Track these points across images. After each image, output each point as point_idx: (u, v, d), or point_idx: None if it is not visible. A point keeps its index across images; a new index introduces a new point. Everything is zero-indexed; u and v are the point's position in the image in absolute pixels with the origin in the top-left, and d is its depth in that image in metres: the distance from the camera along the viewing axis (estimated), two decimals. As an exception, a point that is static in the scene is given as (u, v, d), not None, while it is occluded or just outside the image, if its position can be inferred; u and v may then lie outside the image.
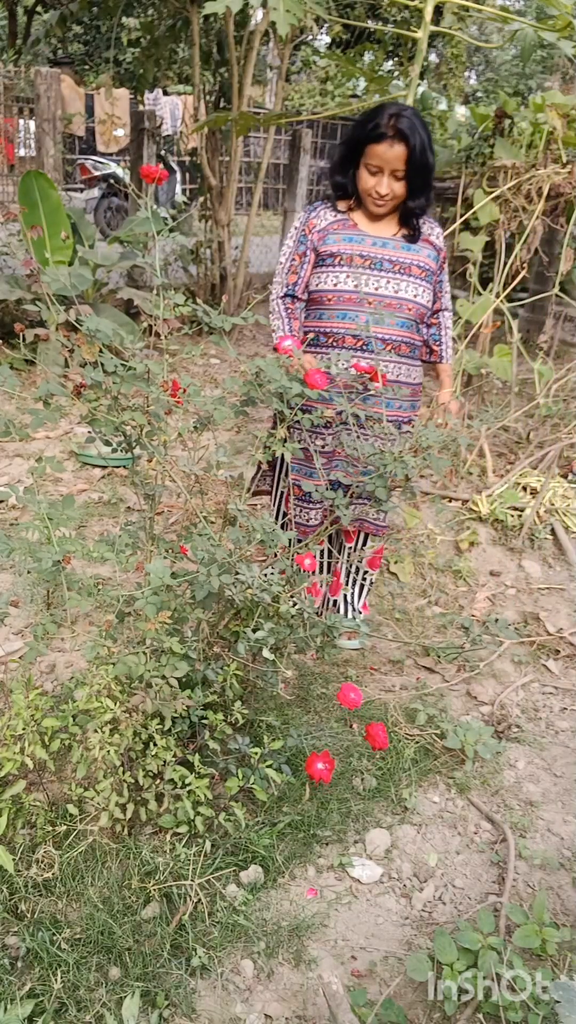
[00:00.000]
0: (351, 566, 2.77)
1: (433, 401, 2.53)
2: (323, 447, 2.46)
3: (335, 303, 2.34)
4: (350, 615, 2.80)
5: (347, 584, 2.79)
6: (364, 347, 2.34)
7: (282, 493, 2.67)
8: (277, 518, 2.67)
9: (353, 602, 2.82)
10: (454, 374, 4.27)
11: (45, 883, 1.77)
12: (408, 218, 2.35)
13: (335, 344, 2.36)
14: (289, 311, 2.40)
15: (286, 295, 2.41)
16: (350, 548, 2.74)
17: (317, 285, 2.36)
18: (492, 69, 20.76)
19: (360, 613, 2.83)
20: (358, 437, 2.25)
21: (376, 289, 2.32)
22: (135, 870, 1.81)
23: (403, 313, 2.34)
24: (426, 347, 2.54)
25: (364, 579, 2.80)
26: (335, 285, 2.33)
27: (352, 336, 2.34)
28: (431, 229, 2.41)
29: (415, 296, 2.35)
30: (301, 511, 2.59)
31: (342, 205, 2.37)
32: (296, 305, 2.41)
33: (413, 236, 2.36)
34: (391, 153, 2.18)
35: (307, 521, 2.59)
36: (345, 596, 2.81)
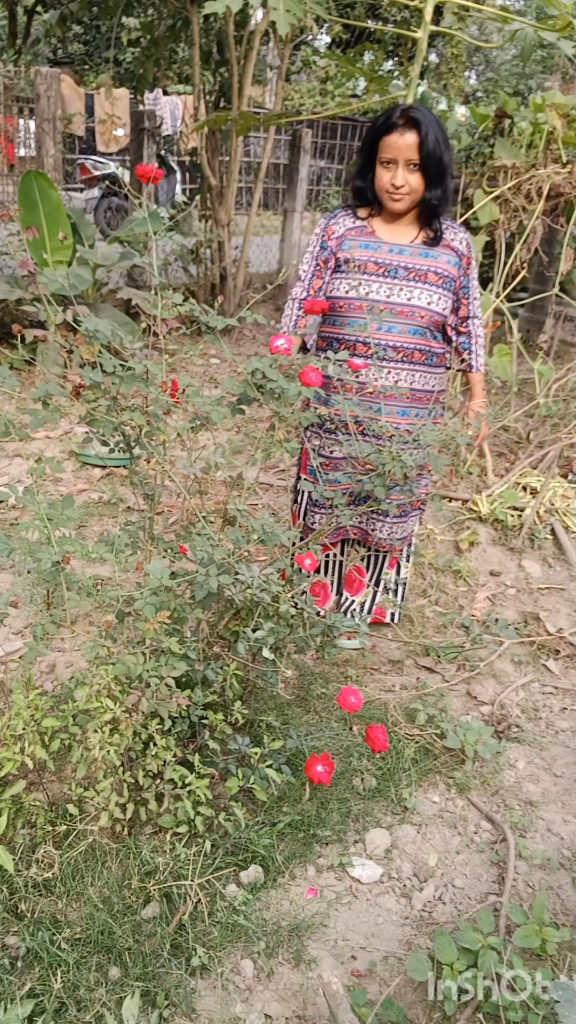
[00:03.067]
0: (382, 583, 2.78)
1: (461, 408, 2.51)
2: (331, 453, 2.47)
3: (347, 310, 2.33)
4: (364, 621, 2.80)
5: (374, 594, 2.81)
6: (375, 354, 2.32)
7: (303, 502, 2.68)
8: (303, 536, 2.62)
9: (368, 607, 2.82)
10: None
11: (45, 883, 1.77)
12: (429, 218, 2.31)
13: (348, 351, 2.34)
14: (301, 313, 2.40)
15: (300, 299, 2.41)
16: (362, 548, 2.74)
17: (331, 292, 2.36)
18: (492, 69, 20.76)
19: (368, 615, 2.83)
20: (371, 443, 2.23)
21: (388, 296, 2.29)
22: (135, 870, 1.81)
23: (415, 320, 2.30)
24: (458, 356, 2.51)
25: (383, 587, 2.81)
26: (346, 292, 2.32)
27: (363, 343, 2.32)
28: (455, 234, 2.36)
29: (429, 303, 2.30)
30: (320, 518, 2.59)
31: (362, 212, 2.36)
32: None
33: (435, 240, 2.32)
34: (403, 142, 2.17)
35: (312, 524, 2.61)
36: (363, 602, 2.82)
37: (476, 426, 2.40)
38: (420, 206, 2.30)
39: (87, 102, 13.11)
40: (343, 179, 15.08)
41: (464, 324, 2.45)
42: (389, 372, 2.32)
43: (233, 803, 1.93)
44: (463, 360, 2.50)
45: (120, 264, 5.56)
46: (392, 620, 2.88)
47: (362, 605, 2.81)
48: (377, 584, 2.78)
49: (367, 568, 2.78)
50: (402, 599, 2.85)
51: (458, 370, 2.55)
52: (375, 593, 2.81)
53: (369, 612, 2.82)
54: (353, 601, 2.81)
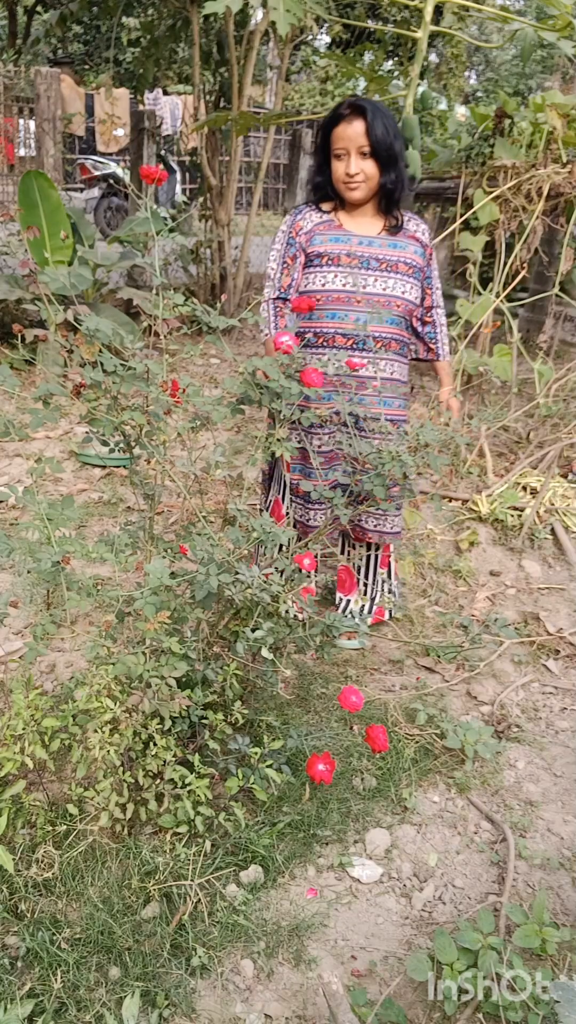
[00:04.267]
0: (370, 579, 2.77)
1: (433, 399, 2.54)
2: (320, 447, 2.46)
3: (324, 303, 2.35)
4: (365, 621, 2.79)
5: (364, 594, 2.80)
6: (355, 346, 2.37)
7: (272, 500, 2.67)
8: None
9: (368, 607, 2.82)
10: (454, 374, 4.28)
11: (45, 883, 1.77)
12: (388, 207, 2.37)
13: (326, 344, 2.38)
14: (278, 312, 2.42)
15: (278, 298, 2.42)
16: (362, 548, 2.74)
17: (306, 286, 2.37)
18: (492, 69, 20.76)
19: (369, 615, 2.83)
20: (353, 436, 2.26)
21: (365, 287, 2.34)
22: (135, 870, 1.81)
23: (393, 310, 2.37)
24: (424, 345, 2.56)
25: (380, 586, 2.81)
26: (323, 285, 2.35)
27: (343, 335, 2.36)
28: (416, 225, 2.44)
29: (403, 293, 2.38)
30: (302, 511, 2.59)
31: (326, 206, 2.40)
32: (286, 307, 2.43)
33: (396, 228, 2.39)
34: (351, 130, 2.24)
35: (307, 521, 2.59)
36: (362, 605, 2.81)
37: (447, 415, 2.43)
38: (378, 195, 2.35)
39: (87, 102, 13.12)
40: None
41: (429, 314, 2.52)
42: (371, 363, 2.39)
43: (233, 803, 1.93)
44: (430, 349, 2.57)
45: (120, 264, 5.57)
46: (389, 616, 2.89)
47: (361, 608, 2.81)
48: (372, 583, 2.78)
49: (360, 568, 2.78)
50: (398, 596, 2.85)
51: (424, 360, 2.60)
52: (370, 592, 2.81)
53: (370, 612, 2.82)
54: (348, 601, 2.81)
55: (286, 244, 2.39)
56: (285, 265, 2.38)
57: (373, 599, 2.81)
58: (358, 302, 2.32)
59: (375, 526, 2.60)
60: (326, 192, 2.38)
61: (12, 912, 1.71)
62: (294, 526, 2.59)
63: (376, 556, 2.76)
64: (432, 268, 2.49)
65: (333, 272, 2.33)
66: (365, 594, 2.80)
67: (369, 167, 2.27)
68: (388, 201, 2.36)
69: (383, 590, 2.80)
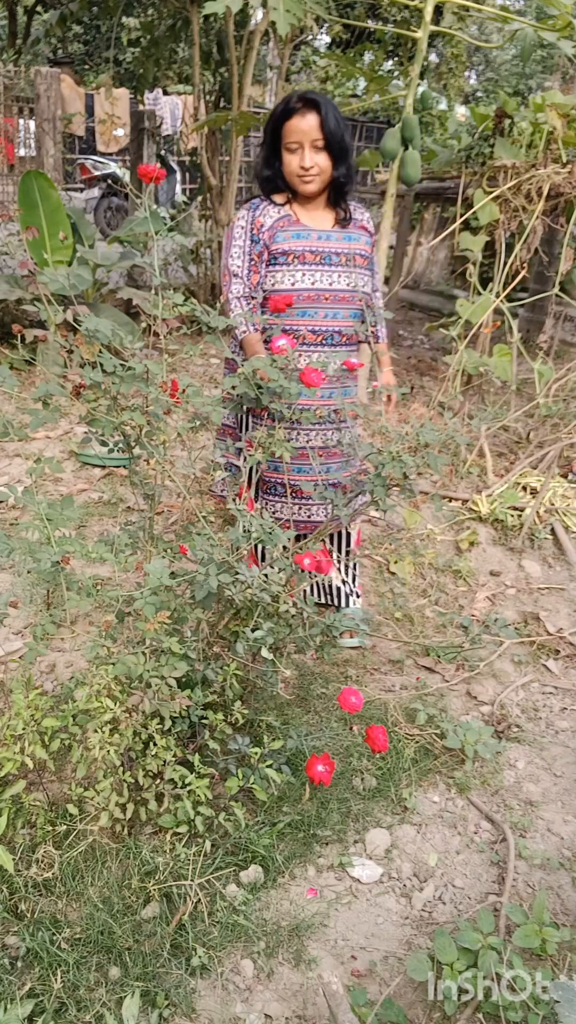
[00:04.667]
0: (339, 560, 2.78)
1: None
2: (307, 442, 2.48)
3: (296, 302, 2.36)
4: (351, 604, 2.81)
5: (343, 572, 2.80)
6: (323, 342, 2.40)
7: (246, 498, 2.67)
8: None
9: (350, 588, 2.83)
10: (454, 374, 4.28)
11: (45, 883, 1.77)
12: (337, 199, 2.40)
13: (296, 340, 2.39)
14: (252, 310, 2.41)
15: (244, 296, 2.40)
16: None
17: (273, 285, 2.36)
18: (492, 69, 20.75)
19: (358, 597, 2.84)
20: (340, 430, 2.34)
21: (331, 284, 2.36)
22: (135, 870, 1.81)
23: (354, 304, 2.41)
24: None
25: (353, 565, 2.82)
26: (293, 284, 2.35)
27: (312, 332, 2.38)
28: (362, 214, 2.48)
29: (363, 286, 2.43)
30: (267, 504, 2.58)
31: (279, 198, 2.40)
32: (252, 304, 2.42)
33: (346, 220, 2.41)
34: (305, 123, 2.24)
35: (274, 513, 2.59)
36: (342, 584, 2.82)
37: (391, 390, 2.48)
38: (329, 187, 2.37)
39: (87, 102, 13.12)
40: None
41: (370, 299, 2.55)
42: (332, 358, 2.41)
43: (233, 803, 1.93)
44: (372, 333, 2.59)
45: (120, 264, 5.56)
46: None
47: (343, 583, 2.80)
48: (347, 562, 2.79)
49: (335, 546, 2.79)
50: (358, 576, 2.87)
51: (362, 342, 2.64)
52: (349, 568, 2.81)
53: (352, 591, 2.82)
54: (328, 579, 2.81)
55: (249, 240, 2.37)
56: (252, 262, 2.37)
57: (354, 577, 2.82)
58: (326, 299, 2.36)
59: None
60: (276, 185, 2.38)
61: (12, 912, 1.71)
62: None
63: (348, 536, 2.77)
64: (374, 253, 2.55)
65: (300, 271, 2.34)
66: (339, 572, 2.81)
67: (323, 160, 2.29)
68: (338, 194, 2.39)
69: (355, 565, 2.83)
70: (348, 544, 2.78)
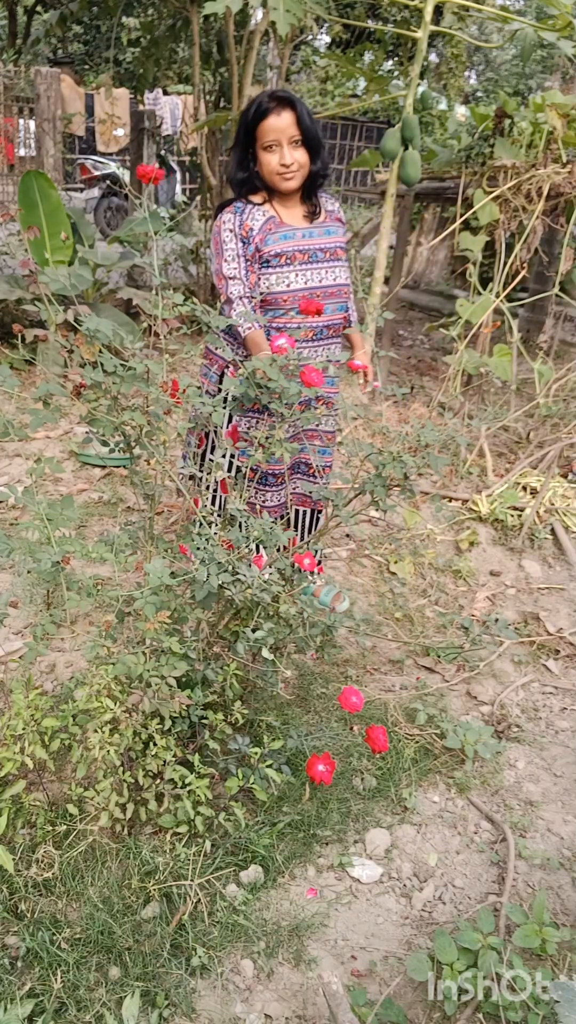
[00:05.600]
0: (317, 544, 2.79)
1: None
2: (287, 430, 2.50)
3: (291, 302, 2.38)
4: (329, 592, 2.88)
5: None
6: (315, 337, 2.44)
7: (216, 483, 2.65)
8: (213, 502, 2.64)
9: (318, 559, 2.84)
10: (454, 374, 4.28)
11: (45, 883, 1.77)
12: (310, 194, 2.43)
13: (295, 340, 2.41)
14: (254, 308, 2.41)
15: (246, 296, 2.39)
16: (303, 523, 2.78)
17: (269, 287, 2.36)
18: (492, 69, 20.76)
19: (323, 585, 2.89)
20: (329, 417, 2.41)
21: (320, 281, 2.40)
22: (135, 870, 1.81)
23: (341, 298, 2.47)
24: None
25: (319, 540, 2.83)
26: (288, 286, 2.37)
27: (307, 328, 2.42)
28: (333, 204, 2.51)
29: (346, 279, 2.49)
30: (257, 493, 2.59)
31: (256, 198, 2.40)
32: (253, 304, 2.42)
33: (316, 213, 2.44)
34: (281, 122, 2.27)
35: (264, 503, 2.60)
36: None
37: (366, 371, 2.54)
38: (305, 182, 2.40)
39: (87, 102, 13.12)
40: (342, 178, 15.06)
41: (348, 289, 2.60)
42: (325, 349, 2.48)
43: (233, 803, 1.93)
44: (345, 319, 2.62)
45: (120, 264, 5.56)
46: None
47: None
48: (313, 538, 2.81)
49: (308, 525, 2.81)
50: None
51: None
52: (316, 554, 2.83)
53: (319, 563, 2.83)
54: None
55: (241, 243, 2.36)
56: (248, 263, 2.37)
57: (318, 552, 2.83)
58: (318, 296, 2.39)
59: (311, 490, 2.62)
60: (253, 185, 2.39)
61: (12, 912, 1.71)
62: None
63: (317, 514, 2.79)
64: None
65: (293, 271, 2.36)
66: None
67: (301, 156, 2.32)
68: (311, 188, 2.42)
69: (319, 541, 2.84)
70: (315, 528, 2.81)
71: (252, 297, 2.39)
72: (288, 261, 2.35)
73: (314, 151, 2.34)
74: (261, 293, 2.38)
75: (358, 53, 6.54)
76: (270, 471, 2.52)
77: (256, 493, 2.59)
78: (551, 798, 2.22)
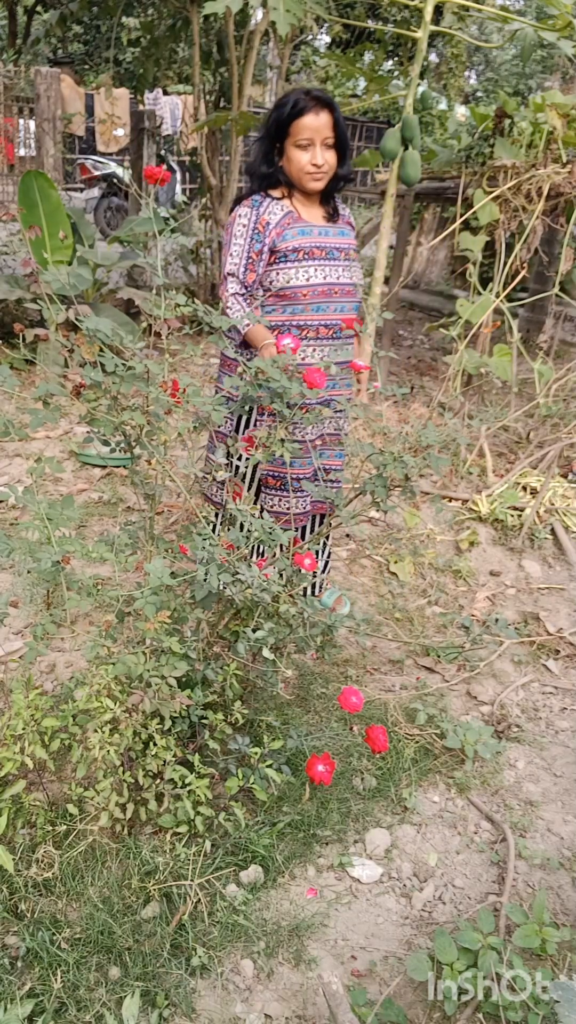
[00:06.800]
0: (317, 545, 2.80)
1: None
2: (304, 435, 2.50)
3: (310, 297, 2.38)
4: (319, 591, 2.88)
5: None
6: (333, 336, 2.44)
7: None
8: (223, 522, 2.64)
9: (320, 580, 2.85)
10: (454, 374, 4.28)
11: (45, 883, 1.77)
12: (329, 196, 2.44)
13: (310, 336, 2.42)
14: (250, 304, 2.41)
15: (241, 294, 2.39)
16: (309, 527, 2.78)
17: (288, 281, 2.36)
18: (492, 69, 20.75)
19: (327, 588, 2.89)
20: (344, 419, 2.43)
21: (338, 279, 2.41)
22: (135, 870, 1.81)
23: (355, 297, 2.48)
24: None
25: (327, 554, 2.84)
26: (307, 280, 2.36)
27: (325, 326, 2.42)
28: (345, 209, 2.53)
29: (359, 279, 2.51)
30: (280, 500, 2.59)
31: (277, 192, 2.40)
32: (250, 302, 2.42)
33: (334, 215, 2.46)
34: (319, 121, 2.27)
35: (286, 509, 2.59)
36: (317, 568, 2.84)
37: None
38: (329, 183, 2.41)
39: (87, 102, 13.11)
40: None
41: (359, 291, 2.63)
42: (339, 349, 2.48)
43: (233, 803, 1.93)
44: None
45: (120, 264, 5.56)
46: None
47: (315, 573, 2.82)
48: (322, 547, 2.82)
49: (314, 529, 2.81)
50: (328, 568, 2.90)
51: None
52: (322, 556, 2.83)
53: (325, 571, 2.85)
54: (313, 574, 2.82)
55: (250, 239, 2.36)
56: (251, 261, 2.36)
57: (326, 564, 2.85)
58: (335, 293, 2.40)
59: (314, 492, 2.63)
60: (275, 179, 2.39)
61: (12, 912, 1.71)
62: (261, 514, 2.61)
63: (321, 522, 2.79)
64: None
65: (312, 266, 2.36)
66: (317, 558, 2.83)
67: (332, 158, 2.33)
68: (331, 190, 2.44)
69: (328, 554, 2.87)
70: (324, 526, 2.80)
71: (251, 295, 2.39)
72: (306, 256, 2.36)
73: (343, 155, 2.35)
74: (277, 287, 2.38)
75: (358, 53, 6.55)
76: (277, 475, 2.51)
77: (280, 500, 2.59)
78: (551, 798, 2.22)
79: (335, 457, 2.62)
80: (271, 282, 2.37)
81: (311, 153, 2.30)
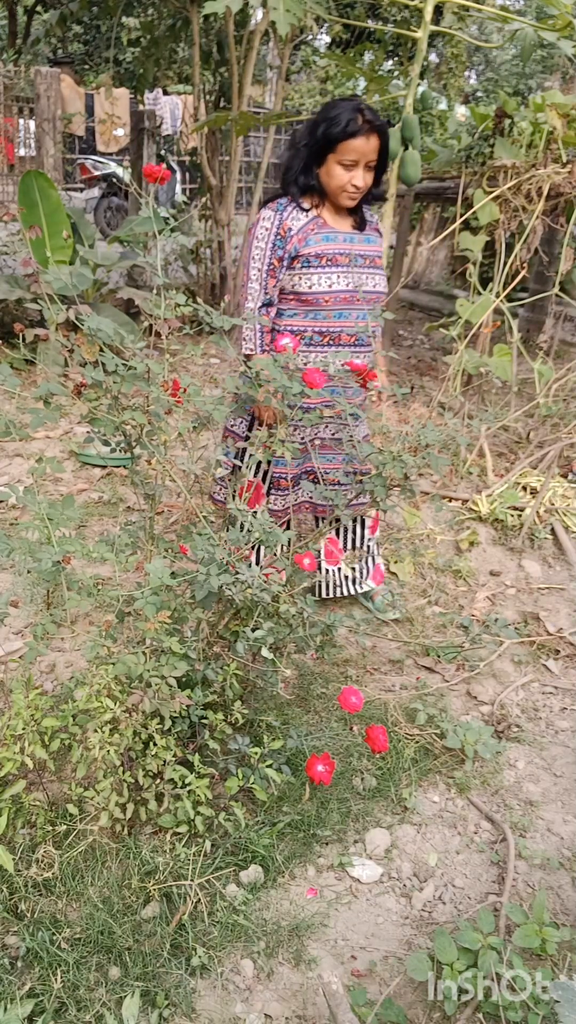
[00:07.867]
0: (354, 545, 2.82)
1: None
2: (312, 438, 2.50)
3: (332, 303, 2.37)
4: (363, 588, 2.89)
5: (358, 559, 2.85)
6: (356, 342, 2.43)
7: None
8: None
9: (363, 576, 2.86)
10: (454, 374, 4.28)
11: (45, 883, 1.77)
12: (358, 207, 2.43)
13: (332, 342, 2.41)
14: (263, 328, 2.39)
15: (265, 304, 2.39)
16: (346, 528, 2.78)
17: (310, 287, 2.36)
18: (492, 69, 20.75)
19: (372, 586, 2.89)
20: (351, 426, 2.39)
21: (361, 286, 2.40)
22: (135, 870, 1.81)
23: (379, 305, 2.45)
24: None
25: (369, 551, 2.85)
26: (330, 286, 2.36)
27: (348, 334, 2.41)
28: (371, 216, 2.52)
29: (384, 288, 2.49)
30: (274, 499, 2.59)
31: (307, 202, 2.39)
32: (271, 312, 2.41)
33: (362, 224, 2.45)
34: (368, 146, 2.27)
35: (285, 507, 2.61)
36: (353, 571, 2.84)
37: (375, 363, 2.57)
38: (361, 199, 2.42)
39: (87, 102, 13.11)
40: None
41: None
42: (362, 356, 2.47)
43: (233, 803, 1.93)
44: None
45: (120, 264, 5.56)
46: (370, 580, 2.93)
47: (352, 572, 2.82)
48: (364, 550, 2.83)
49: (347, 535, 2.82)
50: (373, 566, 2.91)
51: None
52: (363, 560, 2.84)
53: (365, 578, 2.85)
54: (333, 571, 2.83)
55: (273, 245, 2.35)
56: (272, 267, 2.35)
57: (368, 567, 2.86)
58: (358, 300, 2.38)
59: (357, 501, 2.60)
60: (310, 188, 2.37)
61: (12, 912, 1.71)
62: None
63: (364, 524, 2.80)
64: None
65: (336, 272, 2.35)
66: (349, 562, 2.83)
67: (370, 179, 2.34)
68: (363, 203, 2.43)
69: (375, 554, 2.87)
70: (360, 534, 2.82)
71: (272, 303, 2.38)
72: (330, 262, 2.35)
73: (380, 175, 2.37)
74: (299, 292, 2.37)
75: (358, 53, 6.54)
76: (281, 475, 2.52)
77: (271, 500, 2.60)
78: (551, 798, 2.22)
79: (345, 460, 2.60)
80: (294, 286, 2.37)
81: (353, 174, 2.29)
